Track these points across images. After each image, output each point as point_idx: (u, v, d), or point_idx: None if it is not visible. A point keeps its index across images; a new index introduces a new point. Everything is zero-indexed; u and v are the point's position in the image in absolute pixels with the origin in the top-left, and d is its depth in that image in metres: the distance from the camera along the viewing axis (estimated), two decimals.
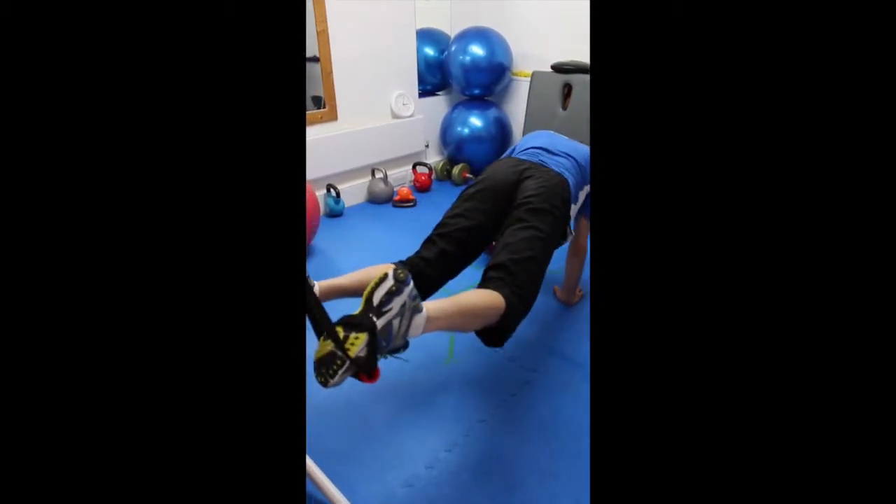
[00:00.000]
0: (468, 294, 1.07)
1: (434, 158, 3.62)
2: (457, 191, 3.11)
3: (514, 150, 1.67)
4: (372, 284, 0.84)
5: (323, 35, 2.66)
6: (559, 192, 1.36)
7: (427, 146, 3.49)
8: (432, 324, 0.93)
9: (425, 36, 3.38)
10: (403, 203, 3.02)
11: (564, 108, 2.99)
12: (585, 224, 1.76)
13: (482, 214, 1.35)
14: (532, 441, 1.28)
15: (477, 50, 3.15)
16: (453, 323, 1.01)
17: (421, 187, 3.29)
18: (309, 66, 2.86)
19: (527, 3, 3.23)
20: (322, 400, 1.43)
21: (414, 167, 3.33)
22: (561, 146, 1.56)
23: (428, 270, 1.29)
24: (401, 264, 1.29)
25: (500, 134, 3.37)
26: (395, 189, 3.12)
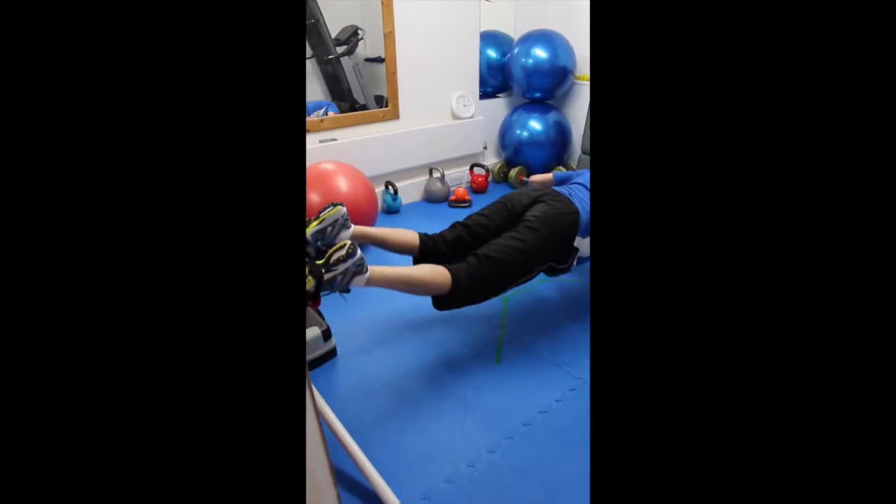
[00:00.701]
0: (419, 268, 1.40)
1: (492, 160, 3.63)
2: None
3: (570, 176, 1.98)
4: (336, 247, 1.24)
5: (390, 37, 2.73)
6: (561, 220, 1.60)
7: (485, 148, 3.50)
8: (373, 283, 1.30)
9: (489, 38, 3.39)
10: (459, 203, 3.05)
11: None
12: None
13: (499, 218, 1.66)
14: (575, 449, 1.27)
15: (540, 53, 3.13)
16: (394, 287, 1.36)
17: (477, 188, 3.31)
18: (374, 66, 2.94)
19: None
20: (374, 390, 1.48)
21: (471, 168, 3.35)
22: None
23: (443, 248, 1.61)
24: (424, 236, 1.62)
25: (560, 139, 3.33)
26: (452, 189, 3.16)
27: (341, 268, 1.23)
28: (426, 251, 1.60)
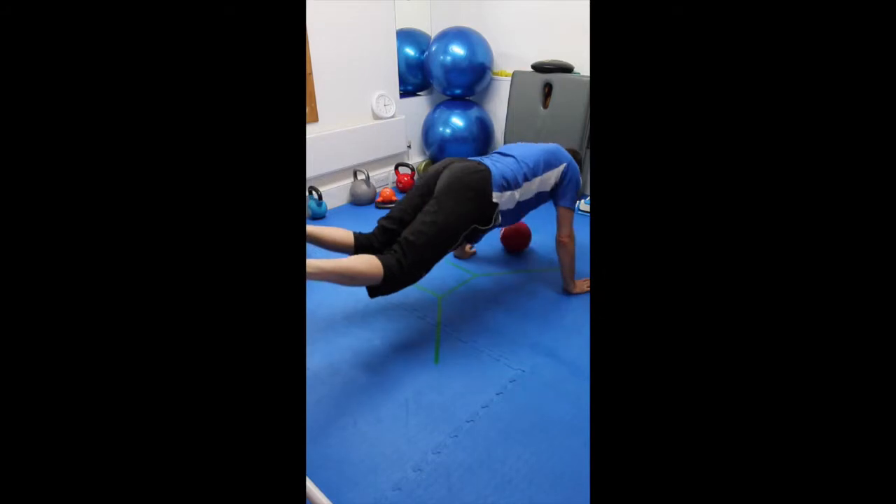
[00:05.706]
0: (352, 259, 1.44)
1: (416, 159, 3.61)
2: None
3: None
4: None
5: None
6: (467, 179, 1.64)
7: (409, 147, 3.48)
8: (310, 277, 1.31)
9: (405, 36, 3.37)
10: (386, 204, 3.01)
11: (545, 106, 3.01)
12: (564, 213, 1.87)
13: (417, 198, 1.72)
14: (520, 440, 1.29)
15: (457, 50, 3.14)
16: (329, 279, 1.38)
17: (403, 188, 3.28)
18: None
19: (506, 3, 3.24)
20: (310, 403, 1.42)
21: (396, 168, 3.32)
22: (511, 151, 1.85)
23: (375, 244, 1.65)
24: (359, 234, 1.67)
25: (482, 134, 3.37)
26: (378, 190, 3.11)
27: None
28: (360, 248, 1.64)
